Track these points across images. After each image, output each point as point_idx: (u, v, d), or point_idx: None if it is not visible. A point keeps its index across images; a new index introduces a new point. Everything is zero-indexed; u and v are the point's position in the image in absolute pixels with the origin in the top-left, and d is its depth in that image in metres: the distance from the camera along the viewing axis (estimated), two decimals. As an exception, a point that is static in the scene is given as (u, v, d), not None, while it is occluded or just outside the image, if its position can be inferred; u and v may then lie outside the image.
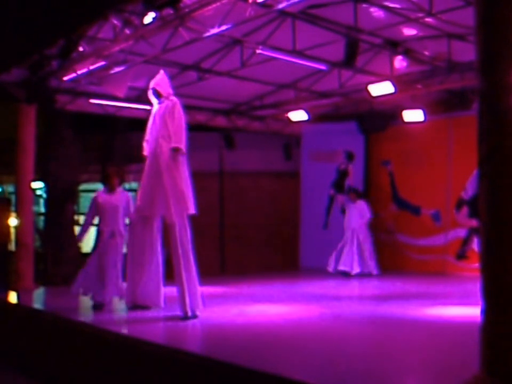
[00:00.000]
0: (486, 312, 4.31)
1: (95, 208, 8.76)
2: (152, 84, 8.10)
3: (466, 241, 12.50)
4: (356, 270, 12.53)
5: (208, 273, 10.30)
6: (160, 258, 8.18)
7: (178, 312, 7.50)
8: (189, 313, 7.43)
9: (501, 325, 4.21)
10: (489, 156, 4.31)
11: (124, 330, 7.06)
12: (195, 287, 7.61)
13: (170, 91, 8.09)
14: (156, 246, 8.16)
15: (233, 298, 8.89)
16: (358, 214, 12.91)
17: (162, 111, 7.91)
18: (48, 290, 11.56)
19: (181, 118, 7.81)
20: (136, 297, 8.08)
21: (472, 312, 7.44)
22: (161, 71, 8.28)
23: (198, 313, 7.53)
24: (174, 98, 7.98)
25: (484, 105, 4.35)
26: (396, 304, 8.47)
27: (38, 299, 10.38)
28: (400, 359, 5.60)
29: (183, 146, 7.69)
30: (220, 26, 8.40)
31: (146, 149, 8.10)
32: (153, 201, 7.85)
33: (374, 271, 12.68)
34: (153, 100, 8.10)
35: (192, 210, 7.78)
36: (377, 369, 5.19)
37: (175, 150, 7.67)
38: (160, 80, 8.12)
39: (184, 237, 7.68)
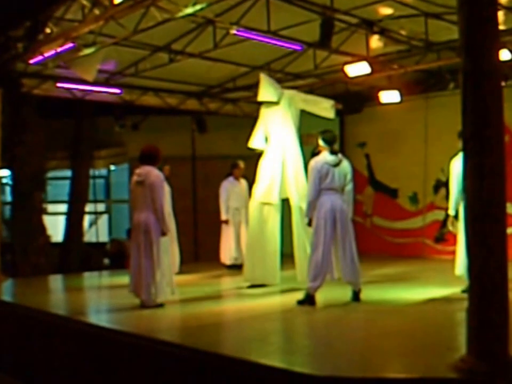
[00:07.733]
0: (472, 295, 4.26)
1: None
2: (265, 97, 9.19)
3: (444, 224, 12.41)
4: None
5: (182, 260, 10.14)
6: (277, 240, 8.90)
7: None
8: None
9: (487, 309, 4.15)
10: (473, 135, 4.25)
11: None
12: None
13: (277, 88, 9.08)
14: (274, 229, 8.87)
15: (206, 286, 8.77)
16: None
17: (283, 110, 9.08)
18: (17, 281, 11.26)
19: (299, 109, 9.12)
20: (255, 277, 8.77)
21: (453, 294, 7.39)
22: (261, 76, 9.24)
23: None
24: (286, 92, 9.16)
25: (468, 85, 4.29)
26: (374, 288, 8.36)
27: (6, 291, 10.05)
28: (383, 343, 5.46)
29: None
30: (193, 6, 8.10)
31: (255, 143, 9.41)
32: (275, 188, 8.79)
33: None
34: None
35: None
36: (359, 354, 5.06)
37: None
38: (266, 87, 9.13)
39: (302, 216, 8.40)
